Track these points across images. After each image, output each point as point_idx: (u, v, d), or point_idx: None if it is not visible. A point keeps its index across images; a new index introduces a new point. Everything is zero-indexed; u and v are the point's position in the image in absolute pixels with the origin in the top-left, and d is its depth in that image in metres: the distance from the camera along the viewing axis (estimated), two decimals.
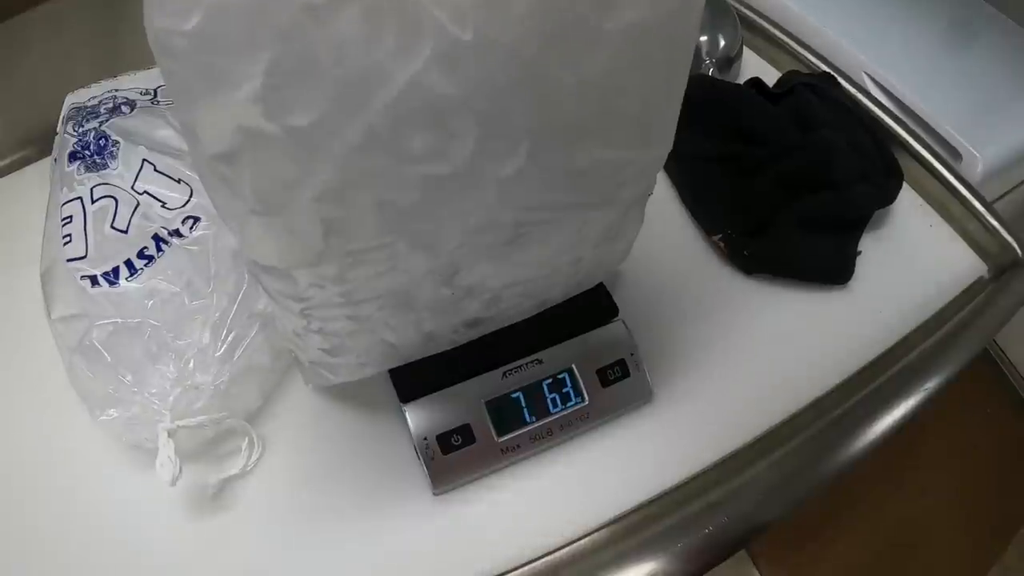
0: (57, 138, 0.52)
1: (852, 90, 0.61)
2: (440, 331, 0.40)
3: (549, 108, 0.27)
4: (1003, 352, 1.64)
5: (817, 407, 0.46)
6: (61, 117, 0.52)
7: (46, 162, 0.58)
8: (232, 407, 0.44)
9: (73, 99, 0.53)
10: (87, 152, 0.47)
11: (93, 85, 0.54)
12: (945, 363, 0.46)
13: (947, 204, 0.55)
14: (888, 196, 0.53)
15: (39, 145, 0.62)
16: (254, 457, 0.44)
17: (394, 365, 0.43)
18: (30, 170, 0.62)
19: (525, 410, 0.44)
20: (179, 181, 0.46)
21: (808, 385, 0.47)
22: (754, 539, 0.42)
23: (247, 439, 0.44)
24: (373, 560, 0.42)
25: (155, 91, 0.53)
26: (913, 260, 0.53)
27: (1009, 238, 0.53)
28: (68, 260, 0.44)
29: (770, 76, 0.61)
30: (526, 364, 0.44)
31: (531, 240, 0.34)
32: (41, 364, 0.47)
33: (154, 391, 0.42)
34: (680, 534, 0.41)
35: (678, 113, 0.32)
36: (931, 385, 0.45)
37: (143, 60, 0.56)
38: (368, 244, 0.30)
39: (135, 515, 0.44)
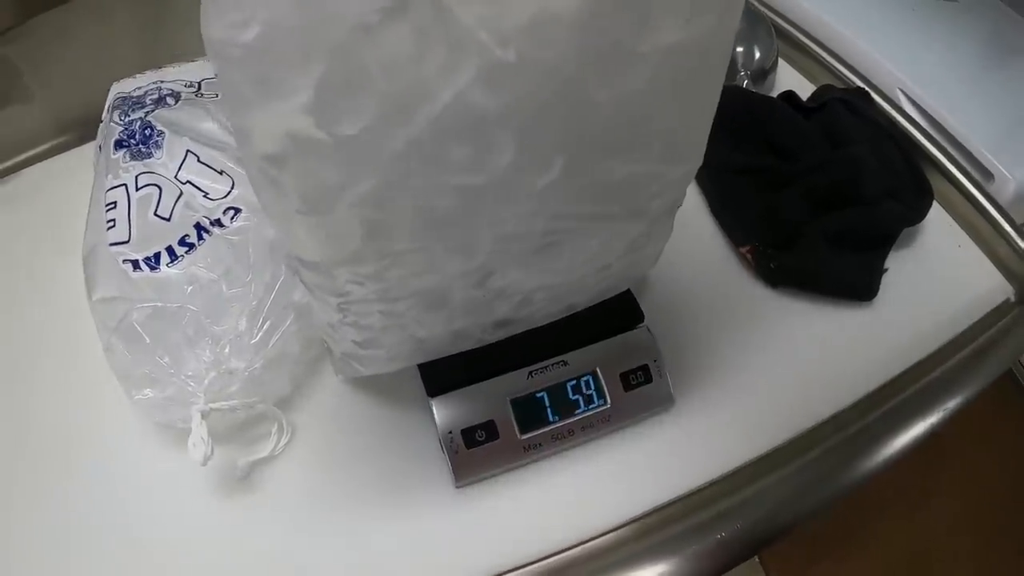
0: (102, 126, 0.53)
1: (886, 106, 0.61)
2: (469, 330, 0.41)
3: (584, 124, 0.28)
4: None
5: (835, 422, 0.46)
6: (107, 105, 0.54)
7: (86, 148, 0.60)
8: (264, 393, 0.45)
9: (119, 88, 0.54)
10: (132, 141, 0.49)
11: (138, 75, 0.55)
12: (967, 384, 0.47)
13: (976, 225, 0.55)
14: (917, 215, 0.53)
15: (79, 131, 0.64)
16: (283, 442, 0.46)
17: (422, 360, 0.44)
18: (70, 155, 0.64)
19: (548, 410, 0.45)
20: (221, 172, 0.48)
21: (828, 399, 0.47)
22: (765, 548, 0.42)
23: (277, 424, 0.46)
24: (394, 548, 0.43)
25: (199, 84, 0.54)
26: (939, 280, 0.53)
27: None
28: (111, 244, 0.45)
29: (804, 88, 0.62)
30: (552, 365, 0.45)
31: (561, 248, 0.35)
32: (79, 345, 0.49)
33: (190, 373, 0.43)
34: (693, 538, 0.41)
35: (709, 128, 0.33)
36: (951, 405, 0.45)
37: (187, 51, 0.58)
38: (405, 247, 0.31)
39: (164, 492, 0.45)
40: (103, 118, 0.54)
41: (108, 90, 0.55)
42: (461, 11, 0.22)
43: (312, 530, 0.44)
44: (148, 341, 0.43)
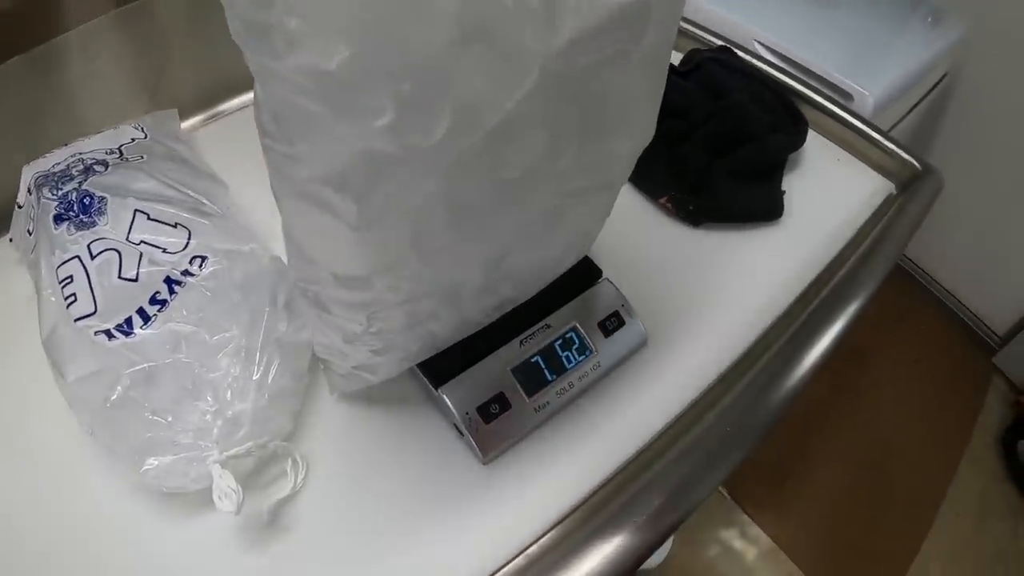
0: (22, 210, 0.52)
1: (748, 57, 0.70)
2: (474, 315, 0.45)
3: (592, 114, 0.33)
4: (921, 268, 1.84)
5: (778, 325, 0.55)
6: (25, 187, 0.52)
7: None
8: (271, 431, 0.45)
9: (34, 169, 0.52)
10: (71, 212, 0.47)
11: (48, 155, 0.54)
12: (874, 270, 0.56)
13: (848, 139, 0.67)
14: (798, 140, 0.63)
15: None
16: (300, 476, 0.45)
17: (431, 355, 0.47)
18: None
19: (545, 371, 0.49)
20: (176, 225, 0.48)
21: (766, 307, 0.56)
22: (753, 443, 0.49)
23: (291, 460, 0.45)
24: (440, 538, 0.44)
25: (119, 149, 0.54)
26: (830, 190, 0.64)
27: (908, 156, 0.65)
28: (76, 320, 0.44)
29: (674, 57, 0.70)
30: (537, 330, 0.50)
31: (564, 220, 0.40)
32: (40, 444, 0.47)
33: (196, 428, 0.43)
34: (698, 446, 0.47)
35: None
36: (868, 290, 0.55)
37: (70, 132, 0.58)
38: (443, 244, 0.34)
39: (194, 561, 0.43)
40: (20, 202, 0.52)
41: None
42: (524, 34, 0.26)
43: (353, 556, 0.44)
44: (146, 405, 0.43)
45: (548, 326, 0.50)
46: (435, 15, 0.24)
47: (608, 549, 0.42)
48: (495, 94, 0.27)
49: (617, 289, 0.53)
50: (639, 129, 0.38)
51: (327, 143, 0.27)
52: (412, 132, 0.27)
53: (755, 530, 1.35)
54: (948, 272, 1.82)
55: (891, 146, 0.66)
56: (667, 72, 0.37)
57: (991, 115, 1.56)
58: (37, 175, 0.51)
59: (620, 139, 0.37)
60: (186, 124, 0.72)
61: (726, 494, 1.38)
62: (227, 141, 0.68)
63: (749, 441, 0.47)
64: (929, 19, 1.21)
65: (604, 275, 0.53)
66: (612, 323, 0.51)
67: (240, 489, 0.41)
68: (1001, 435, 1.60)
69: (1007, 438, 1.57)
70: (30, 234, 0.50)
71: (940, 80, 1.24)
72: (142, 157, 0.53)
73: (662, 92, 0.38)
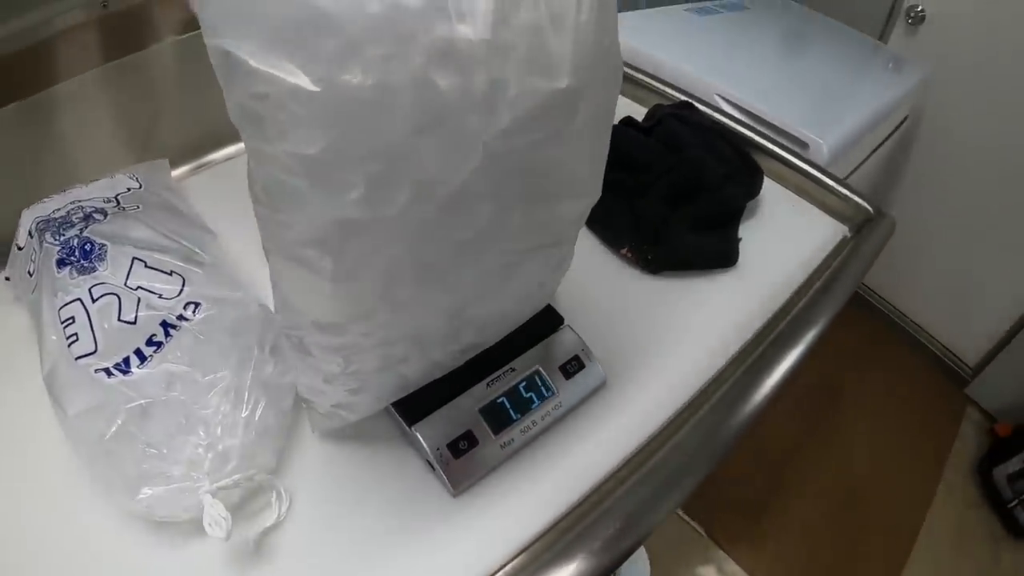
0: (22, 252, 0.55)
1: (708, 111, 0.75)
2: (442, 359, 0.49)
3: (535, 183, 0.38)
4: (892, 305, 1.87)
5: (734, 363, 0.59)
6: (25, 230, 0.55)
7: None
8: (257, 466, 0.48)
9: (35, 213, 0.56)
10: (73, 257, 0.51)
11: (46, 200, 0.57)
12: (826, 308, 0.61)
13: (803, 186, 0.71)
14: (754, 189, 0.68)
15: None
16: (284, 507, 0.48)
17: (402, 395, 0.50)
18: None
19: (511, 410, 0.53)
20: (171, 273, 0.51)
21: (722, 348, 0.60)
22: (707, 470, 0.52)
23: (275, 492, 0.48)
24: (411, 567, 0.47)
25: (116, 199, 0.57)
26: (786, 236, 0.69)
27: (861, 200, 0.69)
28: (77, 358, 0.47)
29: (638, 111, 0.75)
30: (503, 373, 0.54)
31: (517, 273, 0.44)
32: (40, 471, 0.50)
33: (189, 460, 0.46)
34: (651, 477, 0.51)
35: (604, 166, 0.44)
36: (822, 324, 0.59)
37: (65, 178, 0.61)
38: (409, 295, 0.38)
39: None
40: (20, 244, 0.55)
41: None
42: (469, 121, 0.31)
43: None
44: (142, 438, 0.45)
45: (513, 369, 0.54)
46: (396, 111, 0.29)
47: (569, 573, 0.45)
48: (447, 171, 0.32)
49: (577, 335, 0.57)
50: (583, 192, 0.43)
51: (309, 212, 0.32)
52: (378, 204, 0.32)
53: (732, 566, 1.37)
54: (919, 307, 1.87)
55: (844, 191, 0.70)
56: (609, 137, 0.42)
57: (954, 154, 1.62)
58: (38, 220, 0.55)
59: (565, 202, 0.42)
60: (175, 173, 0.75)
61: (702, 532, 1.40)
62: (214, 191, 0.71)
63: (699, 473, 0.51)
64: (891, 64, 1.26)
65: (565, 322, 0.57)
66: (573, 366, 0.56)
67: (230, 517, 0.44)
68: (977, 463, 1.64)
69: (983, 466, 1.61)
70: (30, 275, 0.53)
71: (902, 122, 1.29)
72: (137, 207, 0.57)
73: (605, 155, 0.43)
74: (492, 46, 0.30)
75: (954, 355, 1.86)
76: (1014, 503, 1.50)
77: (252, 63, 0.28)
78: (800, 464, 1.52)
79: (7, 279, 0.60)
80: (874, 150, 1.09)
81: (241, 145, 0.74)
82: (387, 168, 0.30)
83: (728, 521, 1.42)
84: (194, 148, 0.78)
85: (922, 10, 1.51)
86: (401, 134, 0.30)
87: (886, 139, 1.20)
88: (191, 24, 0.72)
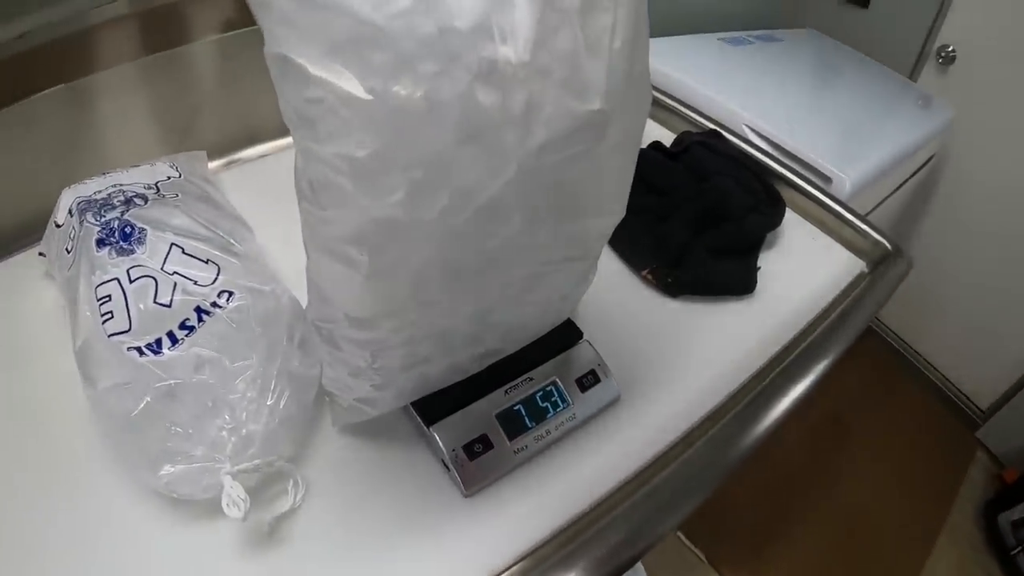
0: (61, 229, 0.57)
1: (736, 140, 0.76)
2: (464, 362, 0.50)
3: (564, 198, 0.39)
4: (907, 343, 1.86)
5: (745, 388, 0.60)
6: (65, 209, 0.57)
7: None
8: (277, 452, 0.49)
9: (76, 193, 0.58)
10: (113, 239, 0.52)
11: (88, 181, 0.59)
12: (838, 341, 0.62)
13: (824, 220, 0.72)
14: (776, 220, 0.69)
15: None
16: (300, 495, 0.49)
17: (423, 395, 0.52)
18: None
19: (526, 418, 0.54)
20: (207, 261, 0.53)
21: (734, 372, 0.61)
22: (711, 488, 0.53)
23: (292, 480, 0.49)
24: (420, 564, 0.48)
25: (156, 186, 0.59)
26: (804, 267, 0.70)
27: (880, 237, 0.70)
28: (111, 335, 0.48)
29: (667, 137, 0.76)
30: (521, 381, 0.55)
31: (542, 284, 0.45)
32: (63, 443, 0.51)
33: (212, 442, 0.47)
34: (657, 493, 0.52)
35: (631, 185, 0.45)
36: (833, 356, 0.60)
37: (103, 161, 0.64)
38: (436, 296, 0.40)
39: (195, 565, 0.47)
40: (59, 221, 0.57)
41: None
42: (506, 137, 0.33)
43: (342, 571, 0.48)
44: (167, 418, 0.47)
45: (531, 379, 0.55)
46: (440, 122, 0.31)
47: None
48: (483, 182, 0.34)
49: (595, 350, 0.58)
50: (609, 210, 0.45)
51: (351, 210, 0.34)
52: (417, 207, 0.33)
53: None
54: (932, 347, 1.86)
55: (864, 226, 0.71)
56: (636, 158, 0.44)
57: (977, 195, 1.61)
58: (79, 200, 0.56)
59: (591, 218, 0.43)
60: (211, 166, 0.76)
61: (703, 558, 1.40)
62: (247, 186, 0.73)
63: (703, 493, 0.52)
64: (920, 102, 1.27)
65: (584, 336, 0.59)
66: (589, 380, 0.57)
67: (248, 498, 0.45)
68: (983, 507, 1.63)
69: (988, 511, 1.60)
70: (68, 252, 0.55)
71: (927, 161, 1.30)
72: (177, 195, 0.59)
73: (631, 176, 0.44)
74: (531, 68, 0.32)
75: (967, 397, 1.85)
76: (1017, 550, 1.49)
77: (310, 69, 0.30)
78: (805, 496, 1.51)
79: (41, 254, 0.61)
80: (898, 187, 1.10)
81: (274, 143, 0.79)
82: (428, 175, 0.32)
83: (730, 549, 1.42)
84: (229, 144, 0.80)
85: (953, 50, 1.52)
86: (443, 144, 0.32)
87: (910, 177, 1.20)
88: (232, 24, 0.75)
